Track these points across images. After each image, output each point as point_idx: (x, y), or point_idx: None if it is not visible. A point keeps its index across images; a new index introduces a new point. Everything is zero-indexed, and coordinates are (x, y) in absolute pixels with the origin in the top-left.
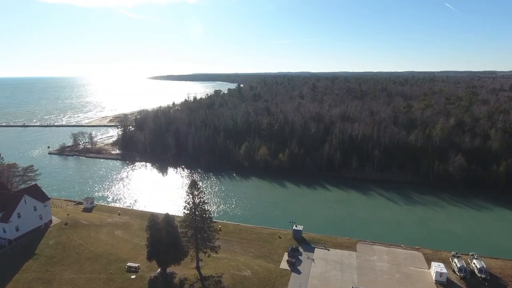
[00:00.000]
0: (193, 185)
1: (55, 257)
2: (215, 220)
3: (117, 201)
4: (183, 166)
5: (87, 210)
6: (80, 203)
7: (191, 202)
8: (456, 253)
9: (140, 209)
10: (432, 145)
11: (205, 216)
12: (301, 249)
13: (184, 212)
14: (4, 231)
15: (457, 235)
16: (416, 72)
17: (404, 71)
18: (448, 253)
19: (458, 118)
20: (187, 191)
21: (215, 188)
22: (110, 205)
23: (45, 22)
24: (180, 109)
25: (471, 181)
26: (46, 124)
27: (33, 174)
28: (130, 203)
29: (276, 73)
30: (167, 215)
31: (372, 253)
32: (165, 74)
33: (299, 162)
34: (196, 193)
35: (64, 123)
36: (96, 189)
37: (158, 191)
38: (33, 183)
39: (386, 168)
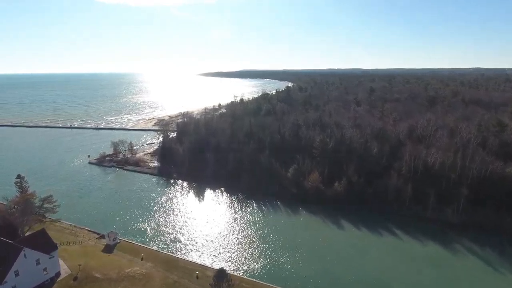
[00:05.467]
0: (221, 275)
1: None
2: (251, 279)
3: (142, 237)
4: (222, 189)
5: (109, 248)
6: (103, 236)
7: None
8: None
9: (165, 251)
10: None
11: None
12: None
13: None
14: None
15: None
16: (484, 69)
17: (470, 68)
18: None
19: None
20: (211, 285)
21: (254, 225)
22: (134, 242)
23: (104, 21)
24: (224, 111)
25: None
26: (92, 127)
27: (51, 205)
28: (155, 242)
29: (326, 70)
30: None
31: None
32: (214, 71)
33: (359, 193)
34: (225, 286)
35: (111, 125)
36: (123, 218)
37: (186, 226)
38: (51, 216)
39: (475, 209)
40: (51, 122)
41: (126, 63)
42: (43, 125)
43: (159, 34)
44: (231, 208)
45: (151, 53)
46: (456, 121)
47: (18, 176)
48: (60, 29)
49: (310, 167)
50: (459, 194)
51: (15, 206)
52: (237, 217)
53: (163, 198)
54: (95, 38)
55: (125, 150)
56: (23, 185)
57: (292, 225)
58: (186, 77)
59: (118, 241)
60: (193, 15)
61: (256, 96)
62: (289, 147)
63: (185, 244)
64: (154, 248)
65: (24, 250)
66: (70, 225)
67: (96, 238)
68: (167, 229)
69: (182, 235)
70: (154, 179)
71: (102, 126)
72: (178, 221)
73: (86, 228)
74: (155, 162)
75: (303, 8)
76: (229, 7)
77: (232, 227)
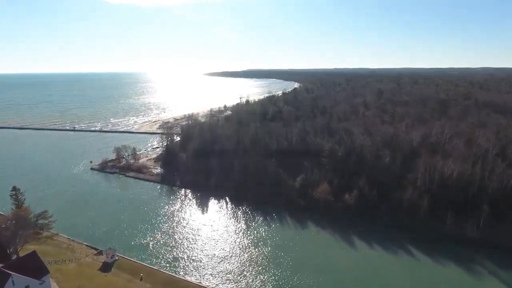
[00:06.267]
0: None
1: None
2: None
3: (142, 254)
4: (227, 198)
5: (106, 266)
6: (101, 252)
7: None
8: None
9: (165, 270)
10: None
11: None
12: None
13: None
14: None
15: None
16: (492, 68)
17: (478, 67)
18: None
19: None
20: None
21: (261, 241)
22: (133, 259)
23: (108, 21)
24: (230, 113)
25: None
26: (96, 129)
27: (46, 221)
28: (155, 260)
29: (332, 69)
30: None
31: None
32: (220, 71)
33: (371, 206)
34: None
35: (116, 127)
36: (123, 232)
37: (189, 242)
38: (47, 232)
39: (497, 225)
40: (58, 123)
41: (130, 63)
42: (50, 127)
43: (164, 34)
44: (236, 221)
45: (155, 52)
46: (472, 127)
47: (14, 188)
48: (63, 28)
49: (318, 177)
50: (480, 209)
51: (9, 222)
52: (242, 232)
53: (165, 210)
54: (98, 37)
55: (128, 155)
56: (18, 197)
57: (301, 241)
58: (192, 76)
59: (117, 258)
60: (199, 15)
61: (262, 97)
62: (297, 154)
63: (187, 263)
64: (155, 267)
65: (12, 277)
66: (68, 239)
67: (94, 255)
68: (169, 245)
69: (184, 252)
70: (157, 187)
71: (108, 129)
72: (181, 236)
73: (84, 243)
74: (158, 168)
75: (307, 8)
76: (234, 7)
77: (237, 244)
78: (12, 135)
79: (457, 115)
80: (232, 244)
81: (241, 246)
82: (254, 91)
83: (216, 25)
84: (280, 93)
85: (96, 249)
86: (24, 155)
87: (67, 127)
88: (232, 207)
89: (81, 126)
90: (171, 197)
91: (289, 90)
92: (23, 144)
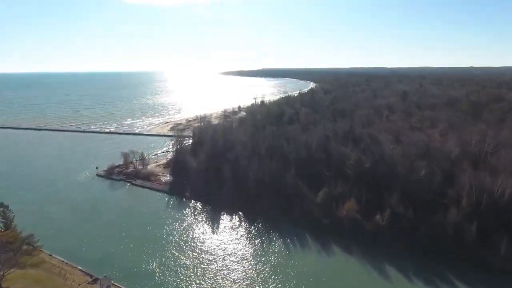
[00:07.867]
0: None
1: None
2: None
3: (143, 284)
4: (240, 214)
5: None
6: (96, 280)
7: None
8: None
9: None
10: None
11: None
12: None
13: None
14: None
15: None
16: None
17: (502, 66)
18: None
19: None
20: None
21: (279, 271)
22: None
23: (127, 20)
24: (244, 115)
25: None
26: (105, 131)
27: (33, 246)
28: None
29: (349, 68)
30: None
31: None
32: (236, 70)
33: (407, 228)
34: None
35: (130, 129)
36: (123, 255)
37: (196, 270)
38: (42, 254)
39: None
40: (74, 124)
41: (146, 61)
42: (65, 128)
43: (180, 33)
44: (251, 243)
45: (172, 51)
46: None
47: (1, 205)
48: (81, 28)
49: (343, 190)
50: None
51: None
52: (259, 258)
53: (174, 228)
54: (116, 37)
55: (136, 161)
56: (7, 215)
57: (327, 271)
58: (208, 75)
59: None
60: (215, 14)
61: (277, 97)
62: (317, 163)
63: None
64: None
65: None
66: (61, 262)
67: (88, 283)
68: (171, 275)
69: (194, 285)
70: (165, 198)
71: (122, 131)
72: (190, 263)
73: (79, 268)
74: (168, 176)
75: (321, 7)
76: (249, 6)
77: (254, 275)
78: (30, 136)
79: (495, 120)
80: (249, 275)
81: (259, 278)
82: (269, 91)
83: (232, 25)
84: (296, 93)
85: (91, 276)
86: (34, 158)
87: (84, 128)
88: (246, 225)
89: (97, 127)
90: (180, 210)
91: (306, 90)
92: (37, 146)
